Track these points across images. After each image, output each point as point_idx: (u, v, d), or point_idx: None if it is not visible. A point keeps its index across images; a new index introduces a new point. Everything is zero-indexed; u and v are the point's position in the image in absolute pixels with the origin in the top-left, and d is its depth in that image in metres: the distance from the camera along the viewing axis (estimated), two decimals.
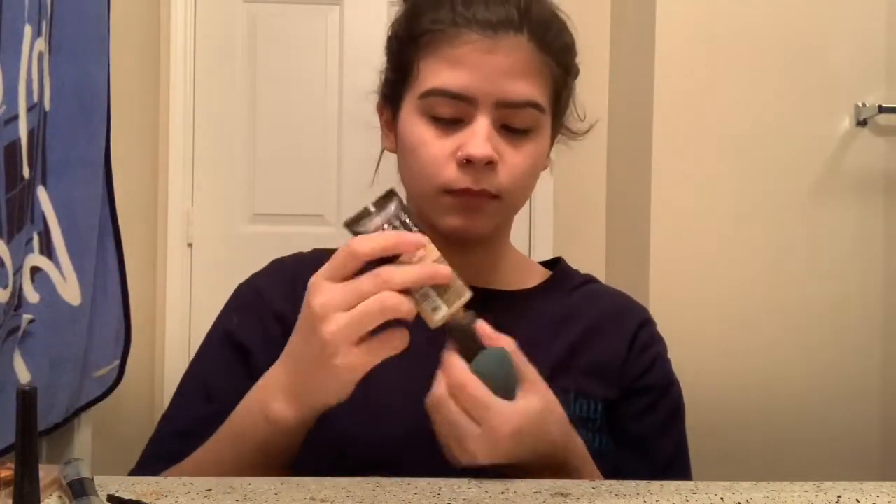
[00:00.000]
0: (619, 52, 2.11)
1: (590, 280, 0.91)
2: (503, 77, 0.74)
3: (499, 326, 0.68)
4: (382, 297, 0.60)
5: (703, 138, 1.74)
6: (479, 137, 0.73)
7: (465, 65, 0.74)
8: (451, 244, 0.81)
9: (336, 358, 0.60)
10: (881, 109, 1.68)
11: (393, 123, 0.82)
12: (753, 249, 1.74)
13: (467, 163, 0.74)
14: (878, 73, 1.73)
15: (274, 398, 0.65)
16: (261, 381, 0.68)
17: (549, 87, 0.79)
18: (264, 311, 0.82)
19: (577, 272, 0.92)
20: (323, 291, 0.61)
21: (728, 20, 1.74)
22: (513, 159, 0.76)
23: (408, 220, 0.64)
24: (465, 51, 0.74)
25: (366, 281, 0.60)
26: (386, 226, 0.63)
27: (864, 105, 1.72)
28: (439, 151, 0.75)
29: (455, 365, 0.63)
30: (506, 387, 0.64)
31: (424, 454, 0.65)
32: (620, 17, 2.11)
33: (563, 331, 0.83)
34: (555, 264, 0.92)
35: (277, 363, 0.67)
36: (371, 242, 0.61)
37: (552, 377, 0.78)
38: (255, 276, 0.88)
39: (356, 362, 0.60)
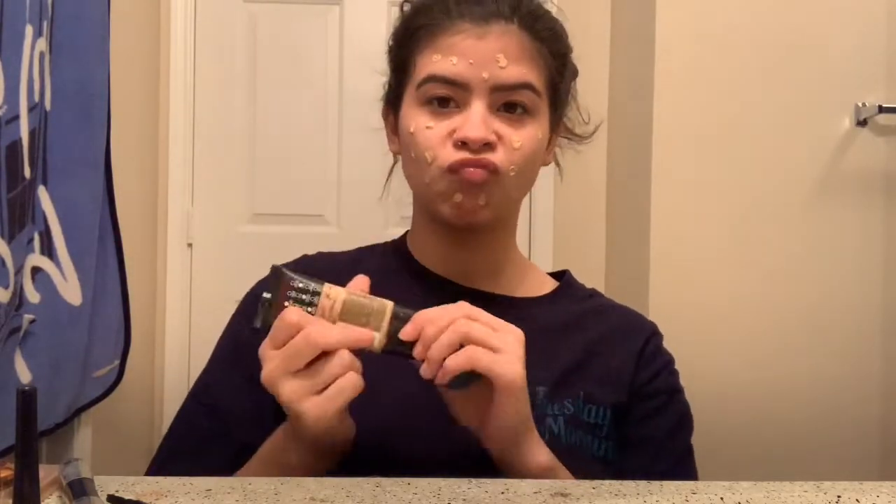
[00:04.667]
0: (619, 52, 2.11)
1: (595, 293, 0.92)
2: (495, 61, 0.77)
3: None
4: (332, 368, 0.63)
5: (702, 139, 1.74)
6: (473, 120, 0.76)
7: (458, 51, 0.77)
8: (458, 240, 0.83)
9: (300, 417, 0.63)
10: (881, 109, 1.68)
11: (396, 126, 0.84)
12: (753, 249, 1.74)
13: (463, 145, 0.76)
14: (878, 73, 1.73)
15: (287, 447, 0.69)
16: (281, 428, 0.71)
17: (543, 74, 0.80)
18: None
19: (582, 285, 0.92)
20: (285, 388, 0.64)
21: (728, 20, 1.74)
22: (511, 137, 0.78)
23: (301, 283, 0.65)
24: (458, 38, 0.78)
25: (321, 363, 0.63)
26: (287, 302, 0.64)
27: (864, 105, 1.72)
28: (436, 134, 0.77)
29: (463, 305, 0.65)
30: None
31: (419, 439, 0.66)
32: (620, 17, 2.11)
33: (571, 339, 0.83)
34: (561, 276, 0.92)
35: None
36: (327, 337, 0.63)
37: (561, 382, 0.78)
38: (262, 283, 0.87)
39: (318, 413, 0.63)
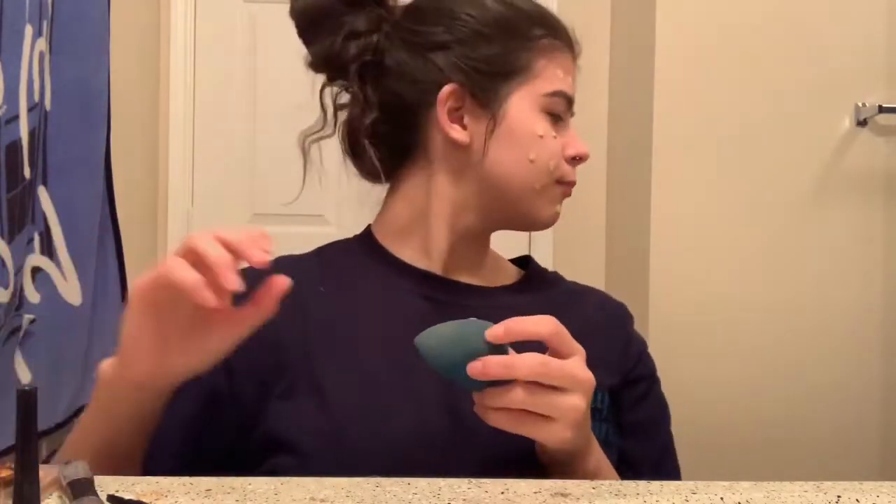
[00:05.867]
0: (619, 52, 2.11)
1: (558, 276, 0.94)
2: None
3: (485, 316, 0.68)
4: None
5: (702, 138, 1.74)
6: (579, 138, 0.85)
7: (571, 72, 0.85)
8: (474, 241, 0.86)
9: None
10: (881, 109, 1.68)
11: (468, 115, 0.81)
12: (753, 249, 1.74)
13: (578, 160, 0.84)
14: (878, 73, 1.73)
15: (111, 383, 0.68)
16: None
17: None
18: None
19: (545, 269, 0.93)
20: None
21: (728, 20, 1.73)
22: None
23: None
24: (568, 61, 0.85)
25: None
26: None
27: (864, 105, 1.72)
28: (557, 146, 0.82)
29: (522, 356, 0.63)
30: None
31: (429, 454, 0.65)
32: (620, 17, 2.11)
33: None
34: (524, 262, 0.93)
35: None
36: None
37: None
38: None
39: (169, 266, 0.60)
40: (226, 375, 0.76)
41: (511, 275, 0.90)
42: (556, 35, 0.84)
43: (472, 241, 0.86)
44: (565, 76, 0.84)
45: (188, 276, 0.59)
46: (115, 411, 0.68)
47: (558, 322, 0.65)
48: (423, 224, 0.85)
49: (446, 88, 0.81)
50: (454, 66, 0.81)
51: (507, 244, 0.92)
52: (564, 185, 0.84)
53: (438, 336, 0.64)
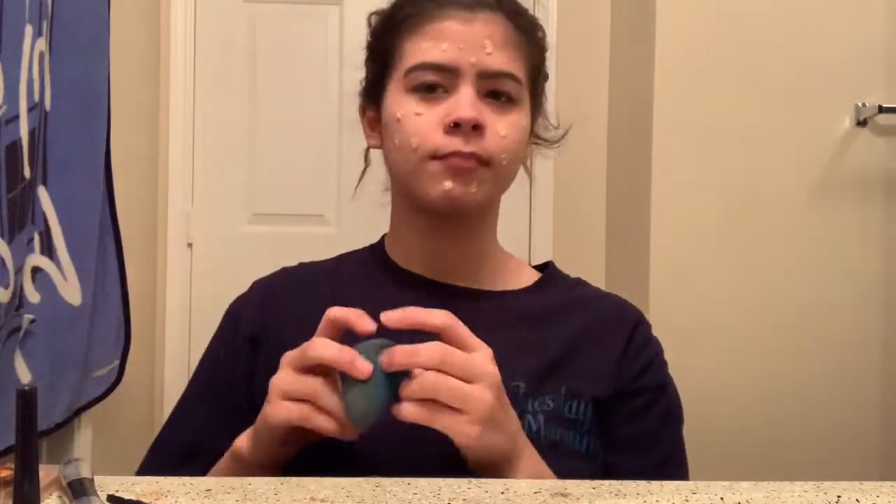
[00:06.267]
0: (619, 52, 2.11)
1: (581, 283, 0.91)
2: (482, 47, 0.78)
3: (486, 326, 0.68)
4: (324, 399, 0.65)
5: (702, 138, 1.74)
6: (464, 101, 0.76)
7: (447, 37, 0.78)
8: (437, 234, 0.83)
9: (269, 404, 0.66)
10: (881, 109, 1.68)
11: (377, 119, 0.84)
12: (753, 249, 1.74)
13: (455, 126, 0.75)
14: (878, 73, 1.73)
15: (241, 437, 0.72)
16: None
17: (526, 65, 0.81)
18: (238, 339, 0.84)
19: (567, 276, 0.91)
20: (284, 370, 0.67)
21: (728, 20, 1.74)
22: (498, 125, 0.78)
23: None
24: (446, 24, 0.78)
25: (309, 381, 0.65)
26: None
27: (864, 105, 1.72)
28: (425, 121, 0.77)
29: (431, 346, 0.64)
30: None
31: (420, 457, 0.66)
32: (620, 17, 2.11)
33: (553, 330, 0.82)
34: (545, 268, 0.91)
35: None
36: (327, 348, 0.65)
37: (542, 376, 0.78)
38: (237, 300, 0.89)
39: (280, 412, 0.65)
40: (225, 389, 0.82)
41: (525, 278, 0.88)
42: (424, 6, 0.80)
43: (455, 241, 0.83)
44: (434, 43, 0.78)
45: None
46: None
47: (454, 317, 0.65)
48: (400, 225, 0.87)
49: (360, 104, 0.87)
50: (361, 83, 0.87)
51: (506, 244, 0.91)
52: (442, 159, 0.76)
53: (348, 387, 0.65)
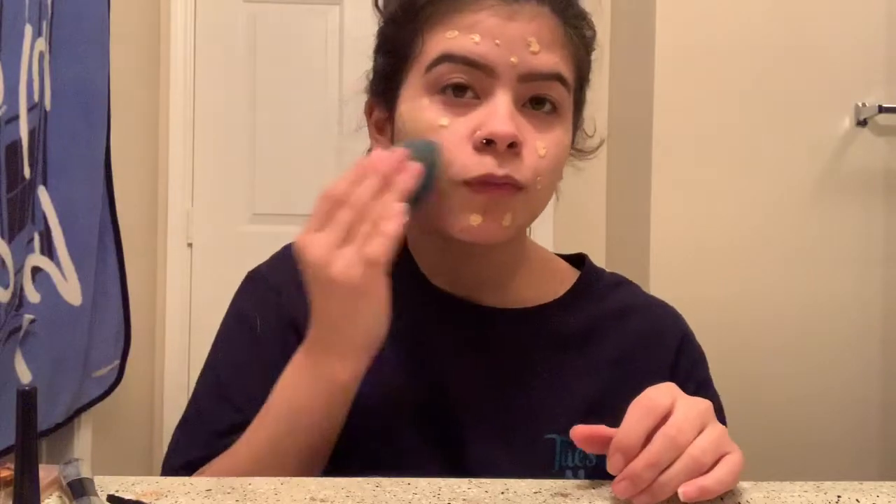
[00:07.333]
0: (619, 53, 2.11)
1: (621, 283, 0.81)
2: (526, 45, 0.64)
3: (514, 351, 0.66)
4: (368, 213, 0.58)
5: (702, 139, 1.74)
6: (501, 112, 0.62)
7: (482, 30, 0.63)
8: (462, 255, 0.72)
9: (354, 286, 0.58)
10: (881, 109, 1.68)
11: (387, 120, 0.71)
12: (753, 249, 1.74)
13: (487, 144, 0.62)
14: (878, 73, 1.73)
15: (325, 363, 0.62)
16: (295, 363, 0.64)
17: (573, 67, 0.68)
18: (283, 316, 0.74)
19: (603, 273, 0.81)
20: (313, 243, 0.60)
21: (728, 21, 1.74)
22: (537, 143, 0.65)
23: None
24: (482, 16, 0.64)
25: (342, 212, 0.59)
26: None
27: (864, 105, 1.72)
28: (452, 135, 0.64)
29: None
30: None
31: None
32: (620, 17, 2.11)
33: (590, 355, 0.74)
34: (580, 261, 0.81)
35: (306, 341, 0.64)
36: (341, 181, 0.59)
37: (585, 419, 0.65)
38: (271, 269, 0.79)
39: (370, 274, 0.58)
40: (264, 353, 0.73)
41: (559, 283, 0.78)
42: None
43: (481, 261, 0.73)
44: (468, 34, 0.63)
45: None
46: (332, 412, 0.64)
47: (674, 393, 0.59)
48: (419, 238, 0.76)
49: (367, 102, 0.74)
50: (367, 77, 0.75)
51: None
52: (475, 188, 0.63)
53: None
